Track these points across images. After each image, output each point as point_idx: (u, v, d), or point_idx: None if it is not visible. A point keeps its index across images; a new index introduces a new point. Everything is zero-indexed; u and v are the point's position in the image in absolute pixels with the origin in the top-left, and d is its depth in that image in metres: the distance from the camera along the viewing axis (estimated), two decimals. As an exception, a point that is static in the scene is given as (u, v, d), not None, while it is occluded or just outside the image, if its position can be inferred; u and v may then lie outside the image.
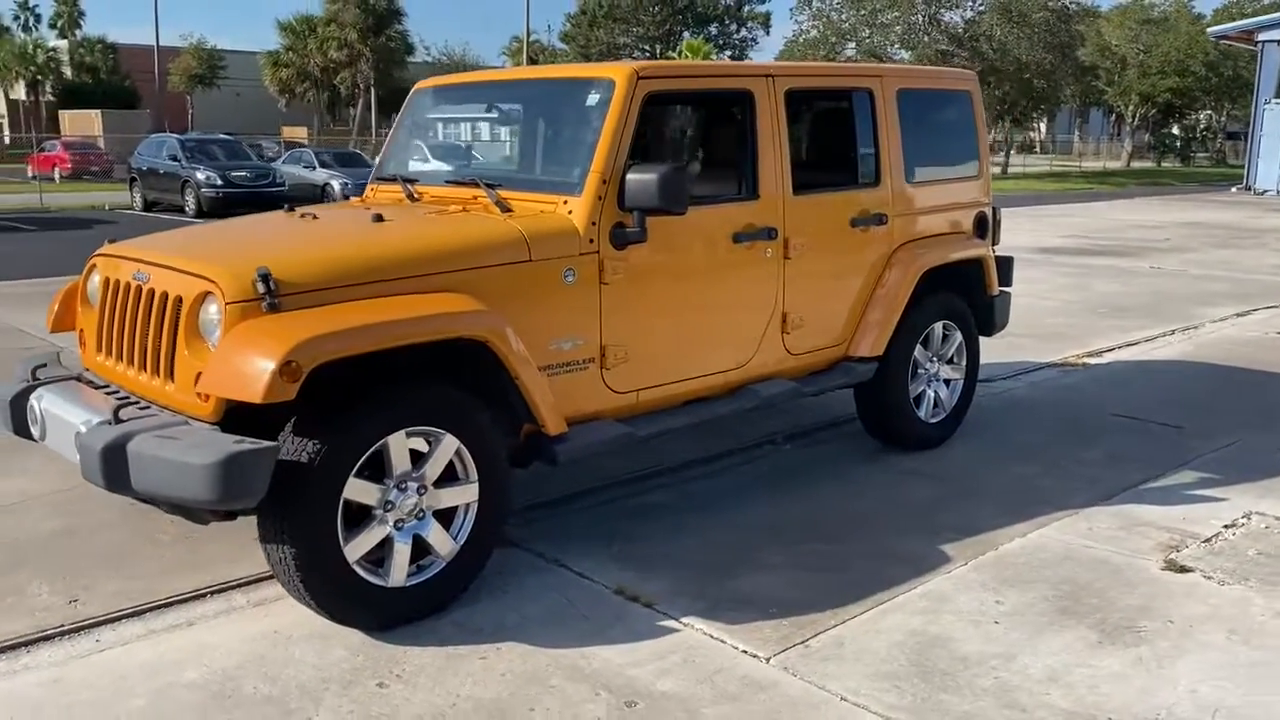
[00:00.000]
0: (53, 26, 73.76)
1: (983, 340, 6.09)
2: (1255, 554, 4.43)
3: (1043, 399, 7.06)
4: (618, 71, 4.36)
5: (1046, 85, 49.52)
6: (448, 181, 4.72)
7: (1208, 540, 4.58)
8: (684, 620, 3.80)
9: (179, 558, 4.27)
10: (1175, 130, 65.76)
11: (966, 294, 5.96)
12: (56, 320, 4.43)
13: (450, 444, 3.71)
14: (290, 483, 3.36)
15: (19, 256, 14.72)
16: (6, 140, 52.63)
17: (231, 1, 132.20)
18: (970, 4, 47.15)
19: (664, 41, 65.16)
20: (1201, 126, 68.02)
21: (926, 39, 46.49)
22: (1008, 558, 4.38)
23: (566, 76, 4.72)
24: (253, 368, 3.25)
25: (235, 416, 3.48)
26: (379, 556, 3.65)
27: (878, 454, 5.73)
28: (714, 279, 4.65)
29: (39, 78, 60.59)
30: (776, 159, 4.81)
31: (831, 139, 5.56)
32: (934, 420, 5.81)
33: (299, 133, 44.30)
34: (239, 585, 4.03)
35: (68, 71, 62.58)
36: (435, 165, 4.98)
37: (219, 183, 22.66)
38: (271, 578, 3.83)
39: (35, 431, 3.97)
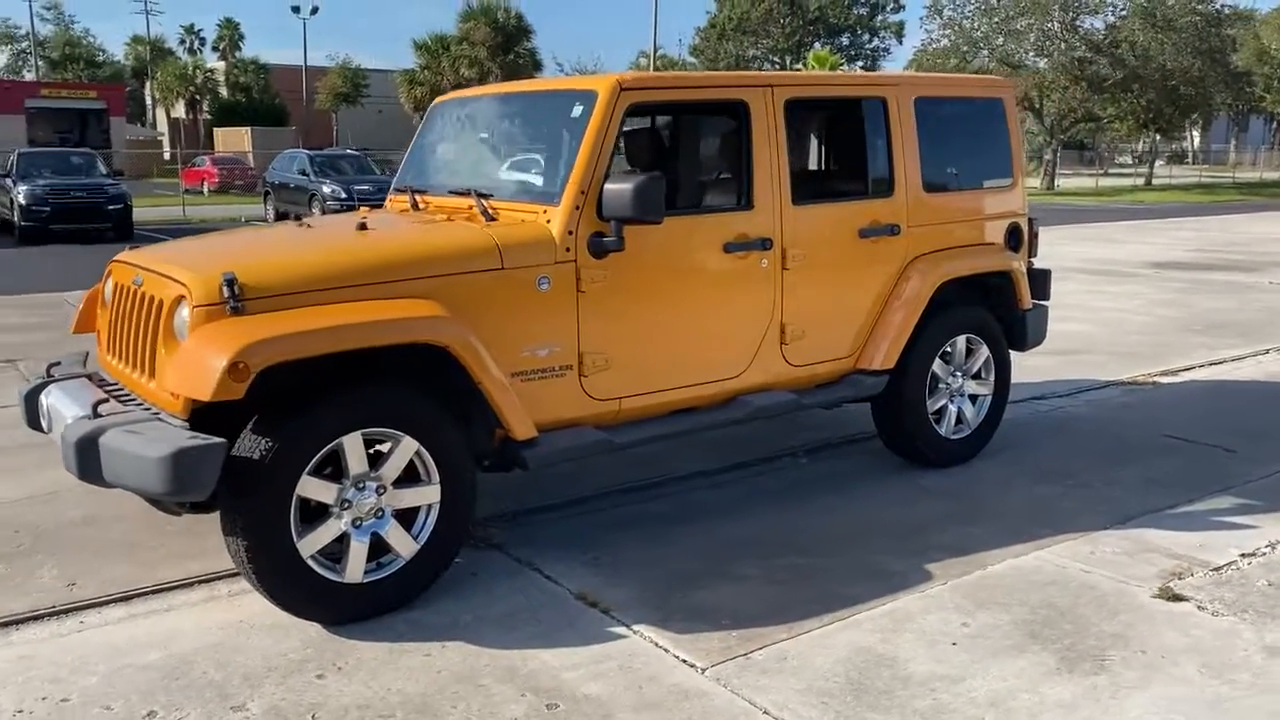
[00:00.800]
0: (215, 49, 78.15)
1: (1047, 357, 5.88)
2: (1265, 585, 4.17)
3: (1094, 418, 6.78)
4: (601, 83, 4.42)
5: (1195, 93, 47.20)
6: (450, 192, 4.85)
7: (1218, 569, 4.33)
8: (635, 627, 3.82)
9: (180, 548, 4.51)
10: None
11: (995, 307, 5.79)
12: (80, 322, 4.73)
13: (409, 446, 3.82)
14: (245, 478, 3.52)
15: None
16: (166, 156, 55.88)
17: (375, 23, 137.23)
18: (1111, 9, 45.37)
19: (793, 53, 64.77)
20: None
21: (1063, 45, 44.90)
22: (992, 579, 4.24)
23: (556, 89, 4.80)
24: (205, 367, 3.43)
25: (208, 414, 3.67)
26: (337, 552, 3.79)
27: (896, 470, 5.61)
28: (702, 288, 4.65)
29: (197, 97, 64.29)
30: (773, 169, 4.78)
31: (839, 149, 5.49)
32: (957, 437, 5.66)
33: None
34: (224, 576, 4.22)
35: (223, 91, 66.14)
36: (444, 176, 5.12)
37: (343, 195, 23.56)
38: (251, 570, 4.00)
39: (44, 425, 4.25)
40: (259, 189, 34.88)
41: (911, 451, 5.58)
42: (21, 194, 20.64)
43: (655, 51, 55.84)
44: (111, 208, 20.86)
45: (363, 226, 4.36)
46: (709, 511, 5.03)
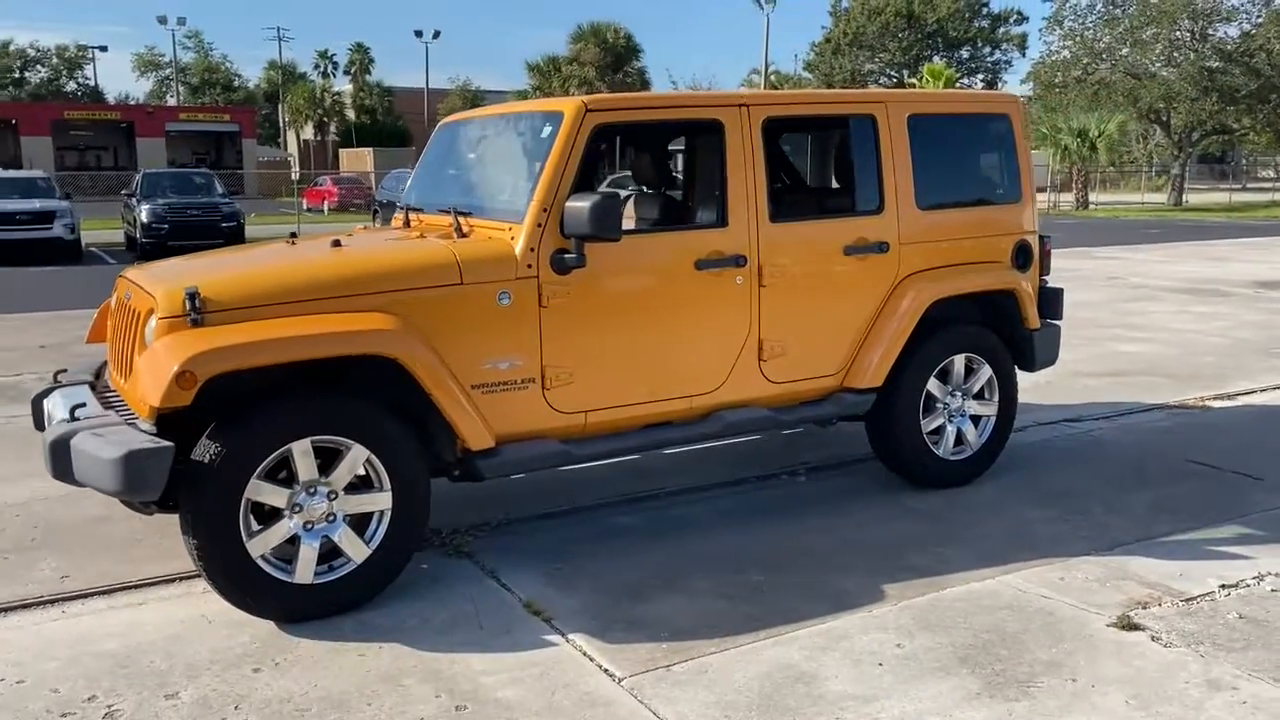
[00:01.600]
0: (347, 73, 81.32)
1: (1100, 379, 5.75)
2: (1235, 618, 4.01)
3: (1124, 441, 6.55)
4: (568, 105, 4.54)
5: (1340, 104, 44.74)
6: (439, 210, 5.03)
7: (1190, 599, 4.18)
8: (570, 636, 3.90)
9: (172, 547, 4.74)
10: None
11: (1003, 327, 5.68)
12: (92, 333, 5.07)
13: (359, 453, 3.99)
14: (198, 480, 3.75)
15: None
16: (294, 176, 58.36)
17: (494, 45, 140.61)
18: (1245, 16, 43.44)
19: (910, 68, 63.73)
20: None
21: (1192, 55, 43.16)
22: (945, 601, 4.18)
23: (532, 110, 4.94)
24: (156, 376, 3.67)
25: (177, 419, 3.90)
26: (290, 553, 3.98)
27: (892, 489, 5.54)
28: (673, 305, 4.71)
29: (325, 119, 66.93)
30: (749, 187, 4.82)
31: (825, 167, 5.48)
32: (956, 457, 5.56)
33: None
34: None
35: (350, 113, 68.72)
36: (437, 195, 5.30)
37: (442, 213, 24.25)
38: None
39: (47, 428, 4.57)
40: (372, 207, 36.19)
41: (906, 471, 5.52)
42: (143, 212, 21.88)
43: (766, 68, 55.97)
44: (225, 225, 21.95)
45: (336, 244, 4.57)
46: (687, 526, 5.07)
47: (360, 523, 4.10)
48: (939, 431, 5.51)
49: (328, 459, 4.00)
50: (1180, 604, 4.14)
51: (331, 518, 4.01)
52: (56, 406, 4.34)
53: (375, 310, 4.09)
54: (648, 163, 5.41)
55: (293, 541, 3.97)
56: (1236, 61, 42.84)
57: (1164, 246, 22.53)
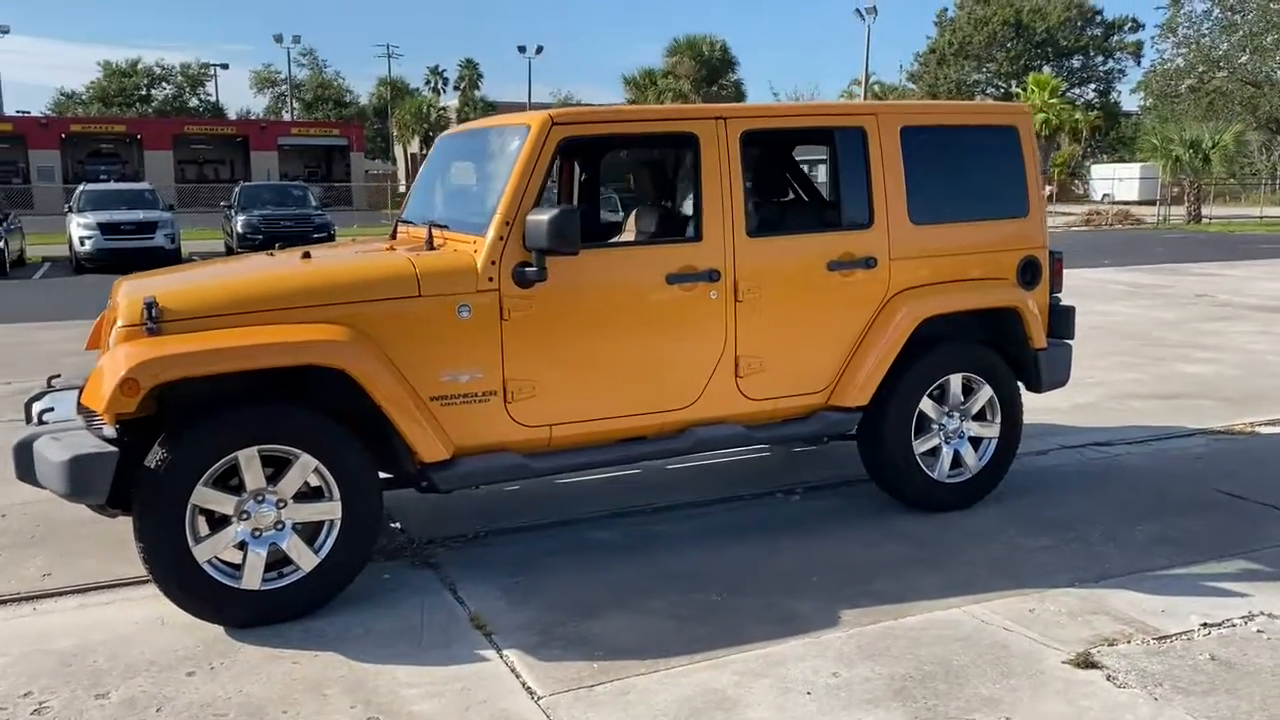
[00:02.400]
0: (456, 88, 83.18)
1: (1149, 401, 5.52)
2: (1206, 659, 3.77)
3: (1150, 467, 6.25)
4: (534, 119, 4.54)
5: None
6: (422, 223, 5.09)
7: (1164, 638, 3.95)
8: (505, 652, 3.88)
9: (156, 549, 4.90)
10: None
11: (1007, 345, 5.48)
12: (90, 340, 5.26)
13: (307, 463, 4.05)
14: (147, 486, 3.85)
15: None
16: (401, 189, 59.76)
17: (594, 60, 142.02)
18: (1377, 20, 41.25)
19: (1018, 78, 62.16)
20: None
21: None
22: (899, 630, 4.03)
23: (504, 124, 4.95)
24: (105, 383, 3.78)
25: (136, 425, 4.03)
26: (240, 560, 4.05)
27: (884, 512, 5.38)
28: (642, 319, 4.67)
29: (431, 134, 68.41)
30: (725, 201, 4.75)
31: (807, 180, 5.35)
32: (953, 481, 5.37)
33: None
34: (175, 576, 4.57)
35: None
36: (425, 208, 5.36)
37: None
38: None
39: (35, 431, 4.75)
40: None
41: (899, 493, 5.35)
42: (239, 222, 22.77)
43: (867, 80, 55.21)
44: (316, 235, 22.64)
45: (306, 255, 4.66)
46: (663, 543, 5.01)
47: (312, 532, 4.15)
48: (935, 453, 5.33)
49: (281, 468, 4.07)
50: (1151, 642, 3.91)
51: (280, 526, 4.08)
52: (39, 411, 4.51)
53: (332, 321, 4.15)
54: (624, 176, 5.37)
55: (242, 548, 4.05)
56: (1366, 68, 40.70)
57: (1268, 263, 21.46)
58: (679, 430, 4.83)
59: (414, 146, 70.03)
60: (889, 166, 5.11)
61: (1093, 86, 69.10)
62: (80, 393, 4.73)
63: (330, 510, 4.13)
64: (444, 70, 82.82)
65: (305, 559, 4.12)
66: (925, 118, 5.35)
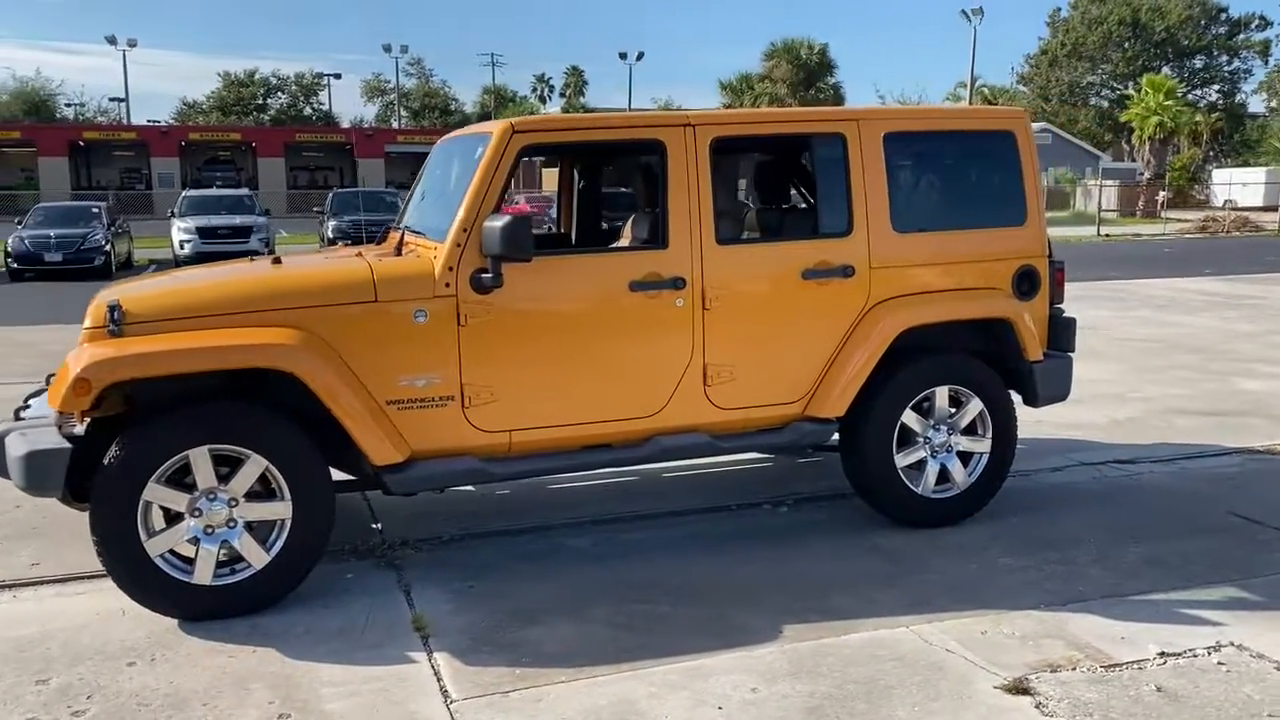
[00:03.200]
0: (562, 95, 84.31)
1: (1199, 418, 5.31)
2: (1151, 690, 3.59)
3: (1168, 487, 5.97)
4: (497, 126, 4.58)
5: None
6: (404, 229, 5.18)
7: (1115, 665, 3.77)
8: (435, 655, 3.92)
9: (144, 542, 5.09)
10: None
11: (997, 357, 5.31)
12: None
13: (257, 463, 4.16)
14: (101, 482, 4.01)
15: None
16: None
17: (695, 65, 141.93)
18: None
19: (1135, 79, 60.02)
20: None
21: None
22: (835, 647, 3.94)
23: (475, 132, 4.99)
24: (61, 383, 3.95)
25: (108, 423, 4.20)
26: (192, 555, 4.18)
27: (869, 527, 5.25)
28: (604, 327, 4.66)
29: (534, 140, 69.35)
30: (692, 208, 4.71)
31: (786, 187, 5.25)
32: (939, 496, 5.22)
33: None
34: (151, 569, 4.73)
35: (557, 133, 70.83)
36: (412, 214, 5.44)
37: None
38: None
39: (32, 427, 4.98)
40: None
41: (882, 508, 5.22)
42: (329, 227, 23.46)
43: (973, 83, 54.01)
44: (402, 241, 23.13)
45: (277, 261, 4.78)
46: (633, 551, 4.99)
47: (264, 530, 4.26)
48: (920, 467, 5.19)
49: (235, 467, 4.19)
50: (1099, 669, 3.74)
51: (233, 523, 4.19)
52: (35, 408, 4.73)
53: (289, 325, 4.25)
54: (592, 184, 5.37)
55: (195, 543, 4.17)
56: None
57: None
58: (645, 438, 4.80)
59: (517, 153, 71.05)
60: (870, 173, 4.99)
61: (1216, 88, 66.33)
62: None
63: (281, 510, 4.23)
64: (550, 78, 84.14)
65: (256, 557, 4.22)
66: (911, 123, 5.21)
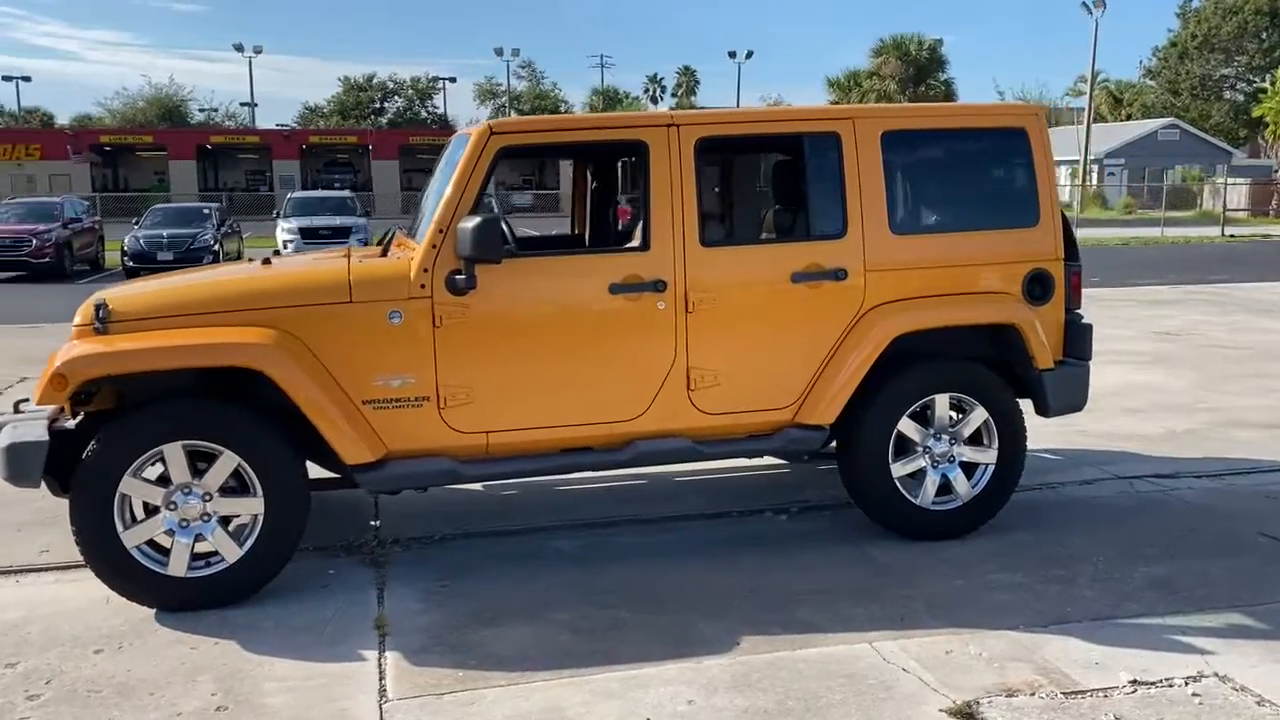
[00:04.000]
0: (674, 95, 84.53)
1: (1254, 429, 5.12)
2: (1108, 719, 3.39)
3: (1202, 504, 5.63)
4: (477, 128, 4.59)
5: None
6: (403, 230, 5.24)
7: (1077, 693, 3.57)
8: (387, 654, 3.94)
9: (151, 533, 5.26)
10: None
11: (1005, 364, 5.09)
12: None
13: (230, 459, 4.25)
14: (80, 475, 4.16)
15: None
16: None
17: (805, 62, 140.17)
18: None
19: (1273, 71, 56.95)
20: None
21: None
22: (789, 661, 3.82)
23: (464, 133, 4.99)
24: (42, 377, 4.11)
25: (97, 417, 4.37)
26: (169, 547, 4.30)
27: (868, 538, 5.08)
28: (584, 329, 4.62)
29: (641, 140, 69.65)
30: (675, 210, 4.64)
31: (776, 188, 5.11)
32: (940, 508, 5.02)
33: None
34: (148, 560, 4.89)
35: (666, 133, 70.94)
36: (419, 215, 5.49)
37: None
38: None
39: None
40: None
41: (881, 519, 5.05)
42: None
43: (1094, 77, 52.18)
44: (494, 241, 23.48)
45: (266, 262, 4.89)
46: (616, 556, 4.95)
47: (239, 525, 4.36)
48: (917, 478, 5.01)
49: (211, 463, 4.29)
50: (1058, 696, 3.55)
51: (207, 518, 4.30)
52: (38, 402, 4.94)
53: (265, 325, 4.34)
54: (605, 185, 5.32)
55: (171, 536, 4.29)
56: None
57: None
58: (626, 442, 4.75)
59: (626, 154, 71.50)
60: (866, 173, 4.84)
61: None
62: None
63: (254, 506, 4.32)
64: (662, 78, 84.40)
65: (229, 551, 4.32)
66: (912, 121, 5.03)
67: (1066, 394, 5.15)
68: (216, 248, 22.48)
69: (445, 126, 70.37)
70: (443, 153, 5.64)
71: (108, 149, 56.15)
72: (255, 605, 4.36)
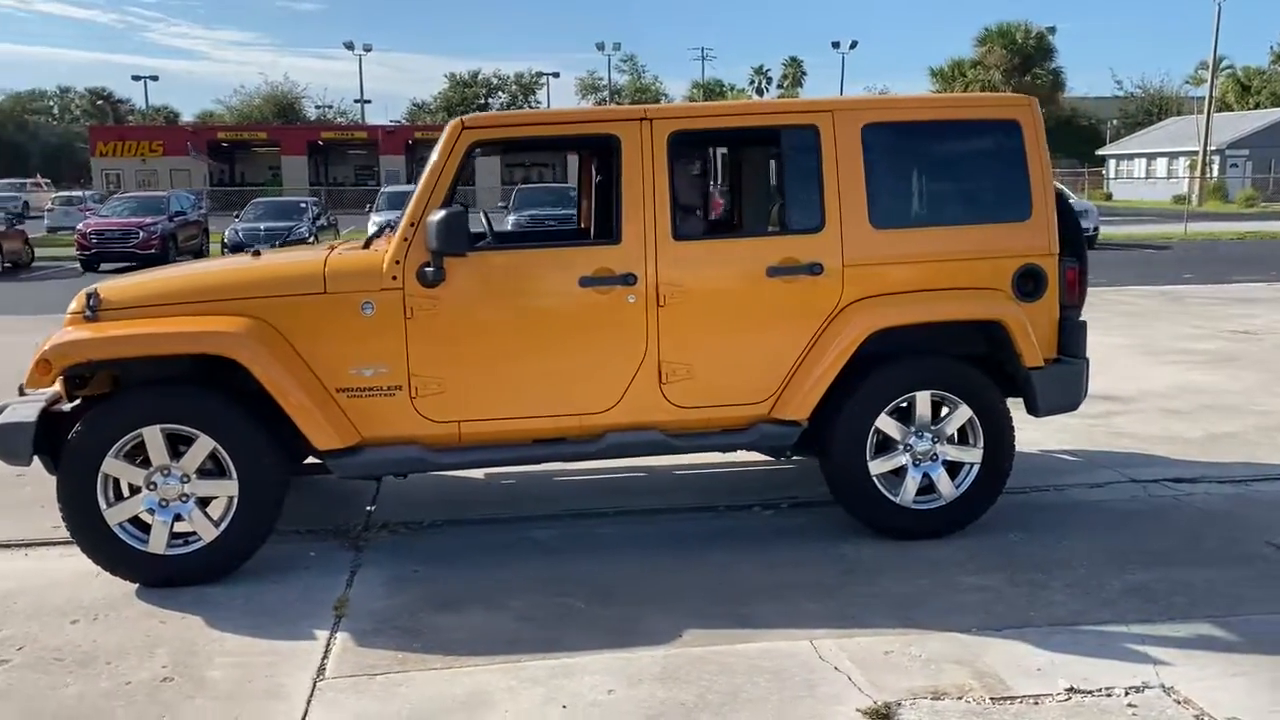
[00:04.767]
0: (780, 86, 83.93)
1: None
2: (1029, 728, 3.30)
3: (1218, 510, 5.39)
4: (451, 122, 4.68)
5: None
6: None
7: (1005, 699, 3.48)
8: (337, 634, 4.06)
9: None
10: None
11: (993, 362, 4.97)
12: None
13: (205, 443, 4.43)
14: (66, 455, 4.39)
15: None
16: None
17: (910, 52, 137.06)
18: None
19: None
20: None
21: None
22: (721, 656, 3.81)
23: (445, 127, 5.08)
24: (30, 363, 4.35)
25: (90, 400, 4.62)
26: (148, 525, 4.51)
27: (844, 535, 5.02)
28: (553, 321, 4.68)
29: (742, 133, 69.31)
30: (646, 203, 4.66)
31: (753, 181, 5.06)
32: (922, 507, 4.93)
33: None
34: (148, 537, 5.12)
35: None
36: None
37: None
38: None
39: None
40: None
41: (861, 517, 4.98)
42: (510, 222, 24.26)
43: (1215, 64, 50.03)
44: (579, 234, 23.73)
45: (256, 254, 5.06)
46: (591, 547, 4.99)
47: (218, 506, 4.54)
48: (898, 476, 4.92)
49: (189, 446, 4.48)
50: (985, 701, 3.47)
51: (185, 498, 4.49)
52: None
53: (243, 315, 4.51)
54: (582, 178, 5.35)
55: (152, 515, 4.50)
56: None
57: None
58: (599, 434, 4.79)
59: (726, 147, 71.23)
60: (846, 166, 4.77)
61: None
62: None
63: (228, 488, 4.49)
64: (767, 69, 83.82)
65: (206, 530, 4.50)
66: (896, 113, 4.94)
67: (1057, 393, 5.00)
68: (310, 240, 23.19)
69: (548, 121, 71.12)
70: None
71: (225, 145, 58.41)
72: (231, 583, 4.54)
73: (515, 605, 4.31)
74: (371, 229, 23.17)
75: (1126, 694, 3.51)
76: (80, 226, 23.73)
